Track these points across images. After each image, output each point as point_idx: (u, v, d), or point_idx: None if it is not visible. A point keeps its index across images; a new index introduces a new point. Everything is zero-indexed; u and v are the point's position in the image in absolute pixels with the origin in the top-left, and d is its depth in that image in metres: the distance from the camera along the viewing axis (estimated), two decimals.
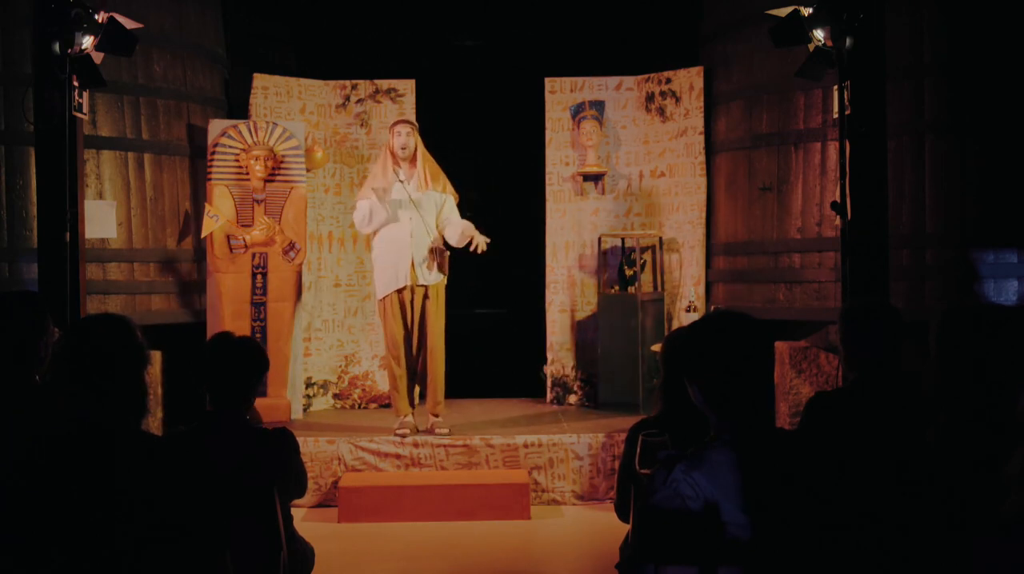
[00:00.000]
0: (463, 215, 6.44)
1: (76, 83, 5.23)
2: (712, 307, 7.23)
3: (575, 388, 7.63)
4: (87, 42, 5.16)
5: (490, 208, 7.17)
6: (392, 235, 6.26)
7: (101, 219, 6.40)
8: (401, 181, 6.24)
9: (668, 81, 7.55)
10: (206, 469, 2.63)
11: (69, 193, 5.21)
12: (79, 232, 5.30)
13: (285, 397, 6.96)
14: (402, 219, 6.24)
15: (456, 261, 6.44)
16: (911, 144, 6.08)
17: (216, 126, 6.99)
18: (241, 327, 6.74)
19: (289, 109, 7.50)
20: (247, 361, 3.45)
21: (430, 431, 6.32)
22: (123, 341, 2.50)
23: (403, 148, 6.26)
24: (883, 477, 2.71)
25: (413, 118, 7.58)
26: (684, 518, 2.22)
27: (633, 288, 7.37)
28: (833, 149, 6.18)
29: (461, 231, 6.28)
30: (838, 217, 5.14)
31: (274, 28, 8.03)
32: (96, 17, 5.18)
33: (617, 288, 7.49)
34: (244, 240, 6.93)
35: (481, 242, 6.23)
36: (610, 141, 7.70)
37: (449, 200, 6.39)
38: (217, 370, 3.41)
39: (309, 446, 6.11)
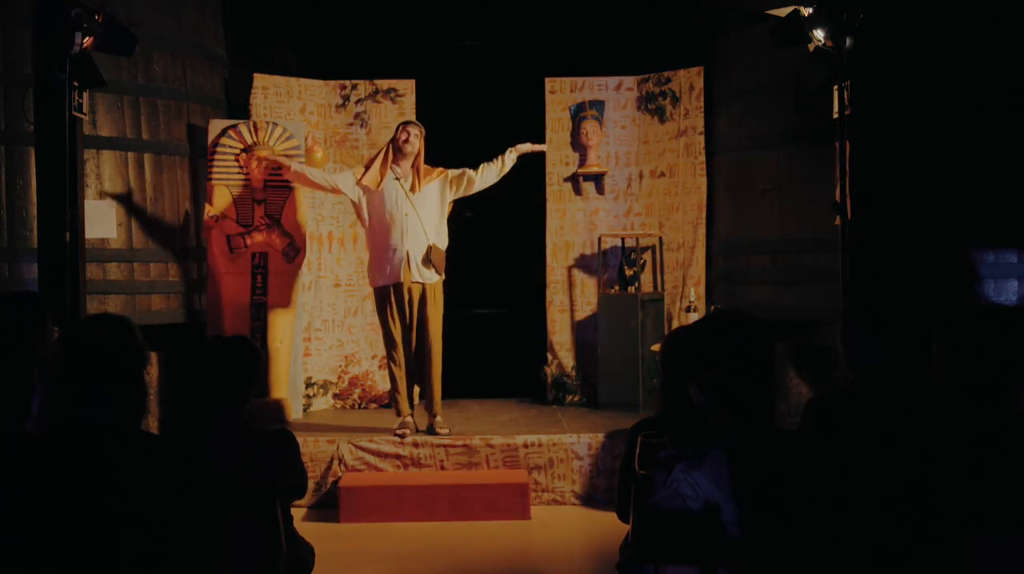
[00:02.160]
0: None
1: (76, 83, 5.23)
2: (712, 307, 7.23)
3: (575, 388, 7.62)
4: (87, 42, 5.16)
5: (490, 208, 7.17)
6: (384, 227, 6.26)
7: (101, 219, 6.40)
8: (397, 179, 6.25)
9: (668, 81, 7.55)
10: (206, 469, 2.63)
11: (69, 193, 5.21)
12: (79, 232, 5.30)
13: (285, 397, 6.97)
14: (396, 214, 6.24)
15: (456, 261, 6.43)
16: (909, 143, 6.07)
17: (216, 126, 6.99)
18: (241, 327, 6.75)
19: (289, 109, 7.51)
20: (242, 361, 3.44)
21: (431, 430, 6.33)
22: (122, 341, 2.50)
23: (407, 142, 6.27)
24: (883, 477, 2.71)
25: (413, 118, 7.60)
26: (684, 518, 2.22)
27: (633, 288, 7.37)
28: (833, 149, 6.17)
29: (498, 164, 6.39)
30: (838, 217, 5.14)
31: (274, 28, 8.02)
32: (96, 17, 5.18)
33: (617, 288, 7.49)
34: (244, 240, 6.93)
35: (526, 148, 6.45)
36: (610, 141, 7.70)
37: (450, 173, 6.39)
38: (213, 372, 3.41)
39: (309, 446, 6.11)
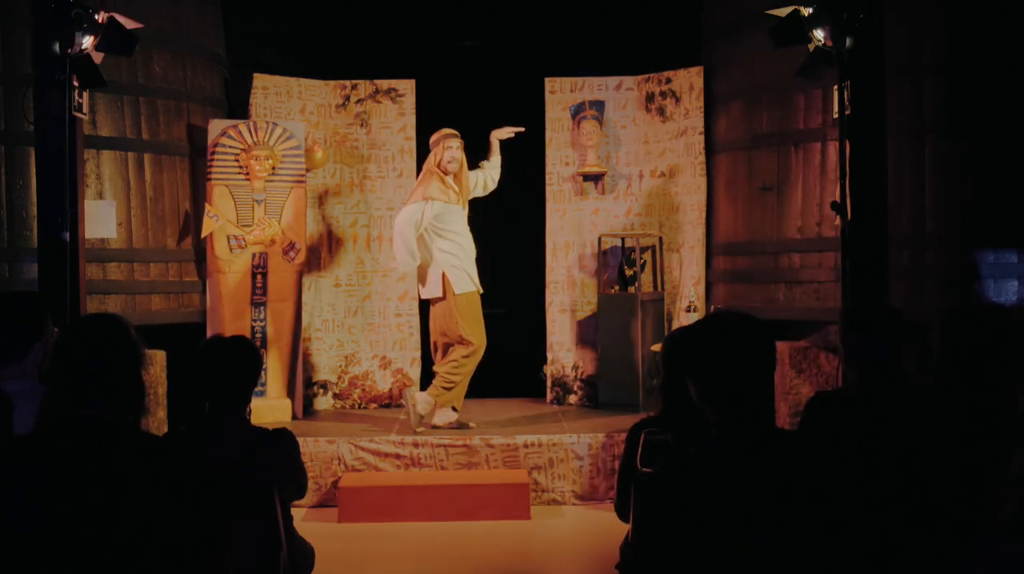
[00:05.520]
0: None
1: (76, 83, 5.23)
2: (712, 307, 7.23)
3: (575, 388, 7.62)
4: (87, 42, 5.16)
5: (490, 208, 7.17)
6: (461, 241, 6.56)
7: (101, 219, 6.40)
8: (457, 194, 6.55)
9: (668, 81, 7.55)
10: (206, 469, 2.62)
11: (69, 193, 5.21)
12: (79, 232, 5.30)
13: (285, 397, 6.97)
14: (463, 230, 6.56)
15: None
16: (911, 144, 6.08)
17: (216, 126, 6.99)
18: (241, 327, 6.75)
19: (289, 109, 7.50)
20: (242, 361, 3.44)
21: (462, 425, 6.55)
22: (117, 340, 2.49)
23: (452, 162, 6.54)
24: (883, 477, 2.71)
25: (413, 118, 7.62)
26: (684, 518, 2.22)
27: (633, 288, 7.36)
28: (833, 149, 6.18)
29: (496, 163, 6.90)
30: (838, 217, 5.14)
31: (274, 28, 8.02)
32: (96, 17, 5.18)
33: (617, 288, 7.49)
34: (244, 240, 6.93)
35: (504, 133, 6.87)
36: (610, 141, 7.69)
37: (477, 174, 6.79)
38: (213, 372, 3.41)
39: (309, 446, 6.11)
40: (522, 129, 6.87)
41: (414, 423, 6.40)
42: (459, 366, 6.50)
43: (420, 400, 6.45)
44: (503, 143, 6.91)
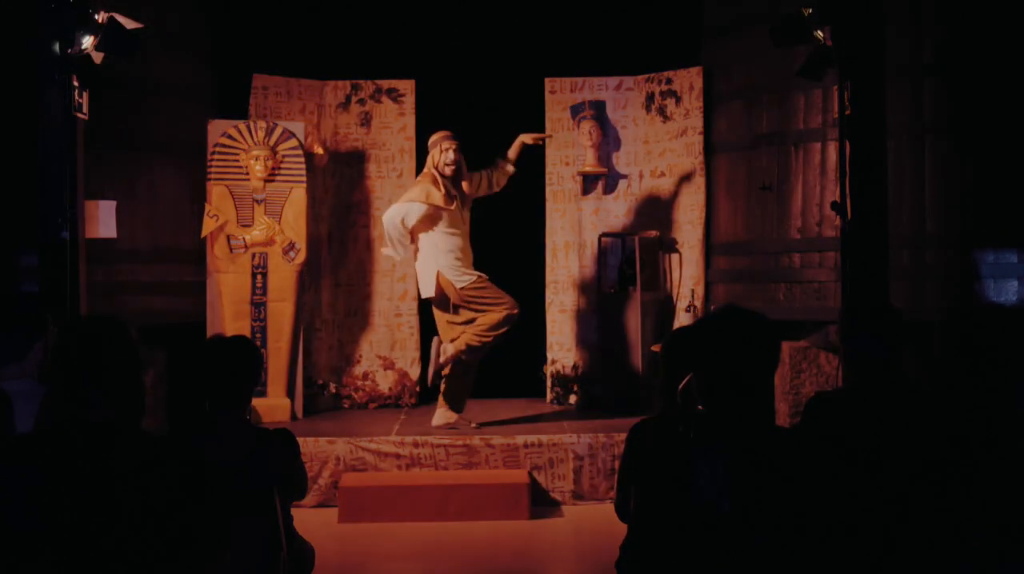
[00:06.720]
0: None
1: (76, 83, 5.23)
2: (711, 307, 7.23)
3: (575, 388, 7.62)
4: (87, 42, 5.16)
5: (490, 208, 7.17)
6: (457, 242, 6.51)
7: (101, 219, 6.40)
8: (454, 196, 6.49)
9: (668, 81, 7.54)
10: (206, 469, 2.62)
11: (69, 193, 5.21)
12: (79, 232, 5.30)
13: (285, 397, 6.97)
14: (460, 230, 6.52)
15: None
16: (911, 144, 6.09)
17: (216, 126, 6.99)
18: (241, 327, 6.75)
19: (289, 109, 7.50)
20: (242, 361, 3.45)
21: (464, 426, 6.55)
22: (116, 341, 2.49)
23: (448, 164, 6.48)
24: (883, 477, 2.71)
25: (414, 118, 7.62)
26: (682, 515, 2.22)
27: (633, 288, 7.36)
28: (833, 149, 6.18)
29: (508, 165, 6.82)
30: (838, 217, 5.14)
31: (274, 28, 8.01)
32: (96, 17, 5.18)
33: (617, 288, 7.49)
34: (244, 240, 6.93)
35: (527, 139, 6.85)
36: (610, 141, 7.69)
37: (483, 173, 6.74)
38: (213, 373, 3.41)
39: (309, 446, 6.11)
40: (550, 135, 6.90)
41: (432, 371, 6.45)
42: (491, 327, 6.42)
43: (445, 350, 6.45)
44: (501, 142, 6.86)
